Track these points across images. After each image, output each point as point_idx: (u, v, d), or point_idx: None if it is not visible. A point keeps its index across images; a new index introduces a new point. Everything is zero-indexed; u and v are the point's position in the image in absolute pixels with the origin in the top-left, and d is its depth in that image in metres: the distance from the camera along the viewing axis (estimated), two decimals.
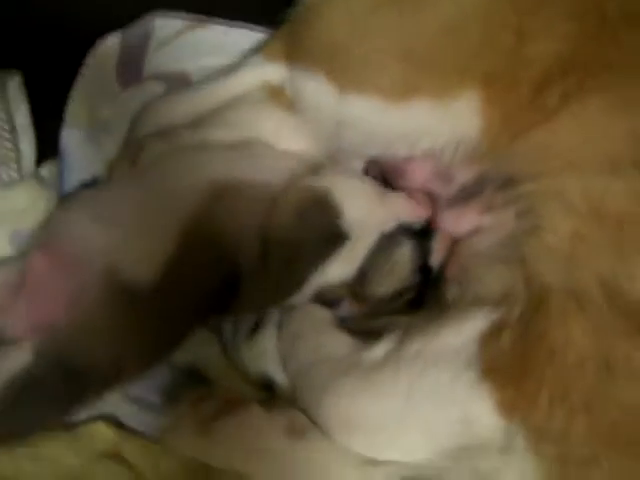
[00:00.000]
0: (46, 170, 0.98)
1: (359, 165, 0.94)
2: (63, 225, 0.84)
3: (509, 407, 0.70)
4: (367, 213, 0.88)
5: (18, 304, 0.78)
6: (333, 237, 0.87)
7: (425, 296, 0.90)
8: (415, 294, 0.90)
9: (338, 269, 0.88)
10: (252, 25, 1.03)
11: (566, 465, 0.69)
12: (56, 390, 0.76)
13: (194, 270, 0.81)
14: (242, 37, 1.02)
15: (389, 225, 0.88)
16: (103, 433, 0.82)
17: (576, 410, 0.68)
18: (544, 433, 0.69)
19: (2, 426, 0.76)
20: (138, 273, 0.78)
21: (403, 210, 0.89)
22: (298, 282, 0.87)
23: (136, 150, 0.92)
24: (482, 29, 0.81)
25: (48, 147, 0.99)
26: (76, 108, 1.00)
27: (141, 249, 0.80)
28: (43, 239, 0.85)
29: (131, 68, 1.02)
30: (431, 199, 0.91)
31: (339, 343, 0.83)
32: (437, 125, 0.84)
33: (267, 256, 0.84)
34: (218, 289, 0.83)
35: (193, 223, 0.81)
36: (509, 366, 0.71)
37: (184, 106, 0.97)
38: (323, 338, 0.84)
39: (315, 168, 0.91)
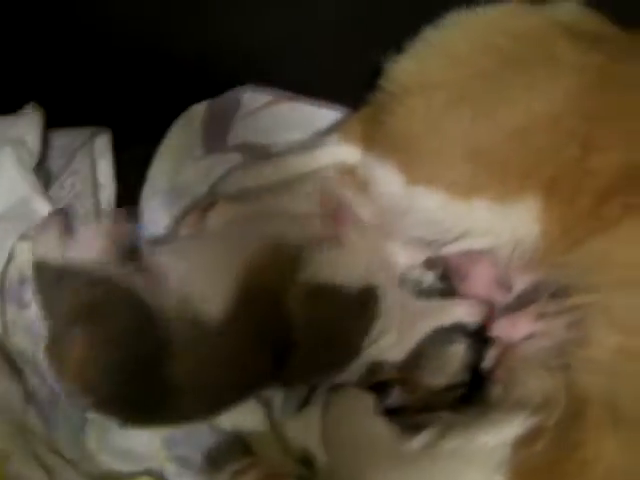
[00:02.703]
0: None
1: (421, 256, 0.96)
2: (150, 252, 0.91)
3: None
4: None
5: None
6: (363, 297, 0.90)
7: (471, 393, 0.92)
8: (464, 392, 0.92)
9: (389, 343, 0.90)
10: (334, 105, 1.07)
11: None
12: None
13: (250, 322, 0.85)
14: (322, 116, 1.07)
15: (447, 321, 0.92)
16: None
17: None
18: None
19: None
20: (207, 307, 0.83)
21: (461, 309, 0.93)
22: (349, 346, 0.90)
23: (207, 206, 0.96)
24: (549, 137, 0.83)
25: (128, 202, 1.05)
26: (158, 170, 1.05)
27: (210, 286, 0.85)
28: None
29: (216, 136, 1.07)
30: (489, 307, 0.93)
31: (379, 431, 0.85)
32: (497, 225, 0.86)
33: (316, 315, 0.88)
34: (274, 346, 0.86)
35: (249, 278, 0.86)
36: (539, 473, 0.73)
37: (261, 174, 1.02)
38: (364, 425, 0.86)
39: None
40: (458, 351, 0.91)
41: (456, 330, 0.91)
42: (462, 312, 0.92)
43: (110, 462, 0.89)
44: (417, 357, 0.91)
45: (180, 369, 0.83)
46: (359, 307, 0.90)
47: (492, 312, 0.92)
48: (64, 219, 0.94)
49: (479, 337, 0.91)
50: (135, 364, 0.83)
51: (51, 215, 0.95)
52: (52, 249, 0.89)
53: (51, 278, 0.88)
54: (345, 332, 0.90)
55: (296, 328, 0.87)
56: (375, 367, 0.92)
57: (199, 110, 1.07)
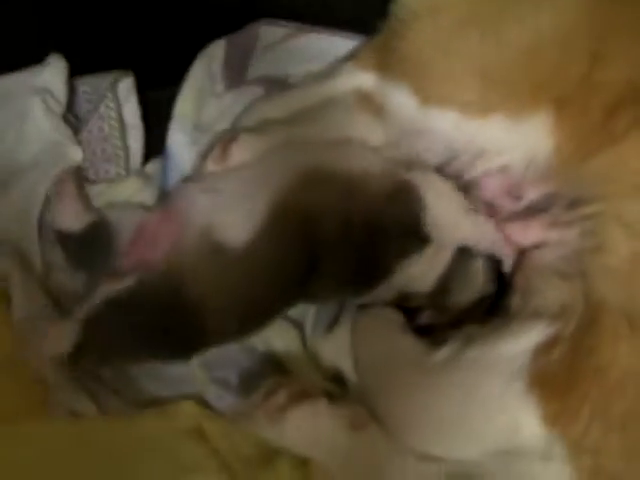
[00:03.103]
0: (151, 167, 1.07)
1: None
2: (178, 192, 0.97)
3: (553, 418, 0.75)
4: (451, 220, 0.93)
5: (134, 249, 0.91)
6: (418, 234, 0.92)
7: (497, 304, 0.94)
8: (492, 301, 0.94)
9: (419, 272, 0.93)
10: (350, 34, 1.08)
11: (598, 477, 0.74)
12: (145, 320, 0.88)
13: (280, 242, 0.89)
14: (341, 45, 1.08)
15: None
16: (188, 411, 0.89)
17: (613, 427, 0.73)
18: (581, 445, 0.74)
19: (89, 342, 0.87)
20: (230, 236, 0.88)
21: (489, 237, 0.94)
22: (378, 270, 0.93)
23: (228, 139, 0.98)
24: (558, 54, 0.84)
25: (156, 144, 1.08)
26: (183, 110, 1.06)
27: (235, 215, 0.89)
28: (162, 202, 0.99)
29: (236, 71, 1.08)
30: (495, 211, 0.94)
31: (406, 346, 0.88)
32: (510, 143, 0.88)
33: (349, 237, 0.91)
34: (301, 265, 0.90)
35: (283, 199, 0.89)
36: (556, 379, 0.76)
37: (281, 105, 1.04)
38: (390, 340, 0.89)
39: (408, 165, 0.96)
40: (479, 264, 0.93)
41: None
42: (486, 239, 0.93)
43: (153, 388, 0.94)
44: (445, 282, 0.93)
45: (202, 295, 0.88)
46: (403, 239, 0.93)
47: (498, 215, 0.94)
48: (76, 183, 0.98)
49: None
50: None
51: (63, 182, 0.98)
52: (70, 216, 0.94)
53: (75, 246, 0.94)
54: (378, 255, 0.92)
55: (327, 245, 0.90)
56: (405, 295, 0.94)
57: (218, 47, 1.09)
